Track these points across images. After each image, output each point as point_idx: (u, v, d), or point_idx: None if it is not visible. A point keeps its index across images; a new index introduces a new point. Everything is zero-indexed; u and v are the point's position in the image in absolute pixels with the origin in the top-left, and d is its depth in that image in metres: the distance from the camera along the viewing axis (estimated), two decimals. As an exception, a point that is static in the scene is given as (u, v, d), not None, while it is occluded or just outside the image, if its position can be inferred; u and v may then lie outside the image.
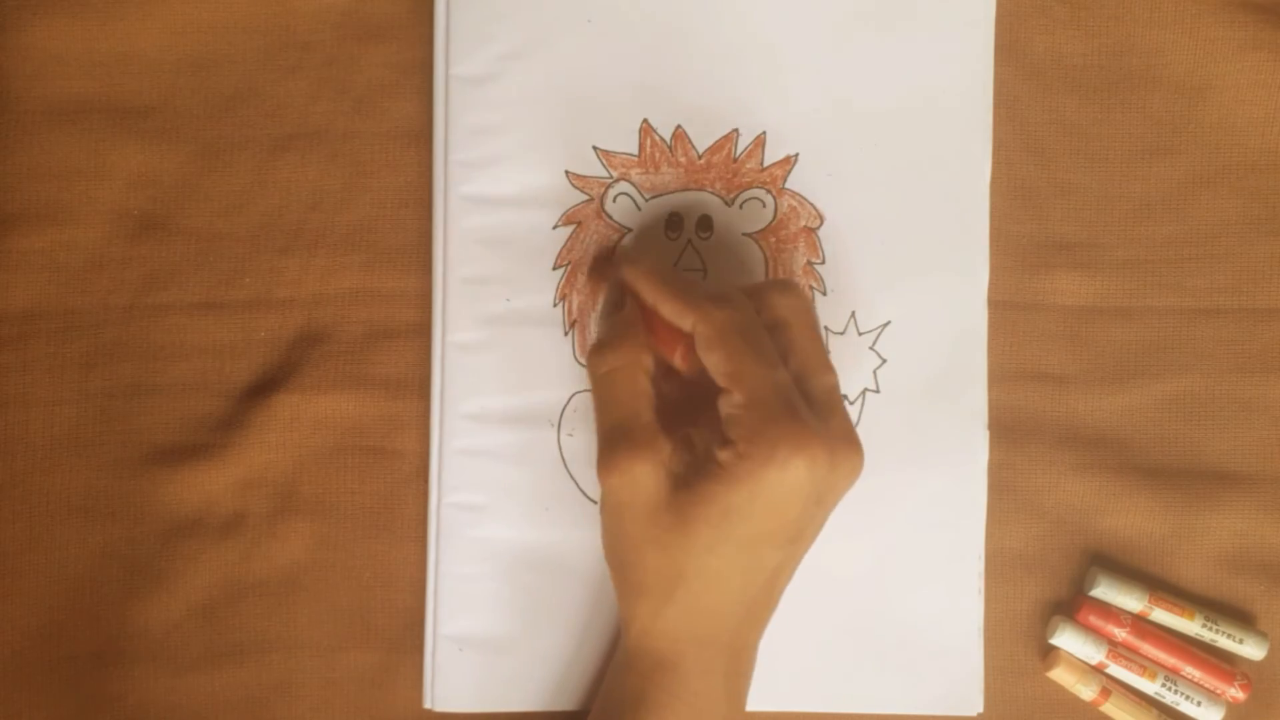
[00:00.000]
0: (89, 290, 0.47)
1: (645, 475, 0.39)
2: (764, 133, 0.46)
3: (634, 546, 0.40)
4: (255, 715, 0.46)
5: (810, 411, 0.39)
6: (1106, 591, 0.46)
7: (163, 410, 0.47)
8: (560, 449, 0.46)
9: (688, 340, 0.41)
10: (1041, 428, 0.47)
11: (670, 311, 0.41)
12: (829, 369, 0.41)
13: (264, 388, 0.47)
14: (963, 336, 0.47)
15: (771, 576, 0.40)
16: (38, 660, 0.46)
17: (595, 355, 0.42)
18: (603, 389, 0.41)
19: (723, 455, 0.38)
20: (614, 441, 0.40)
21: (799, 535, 0.40)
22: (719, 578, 0.39)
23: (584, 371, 0.46)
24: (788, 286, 0.42)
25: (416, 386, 0.47)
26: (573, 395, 0.46)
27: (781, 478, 0.37)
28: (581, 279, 0.46)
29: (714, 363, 0.39)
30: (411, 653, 0.46)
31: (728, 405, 0.39)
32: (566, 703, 0.46)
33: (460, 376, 0.46)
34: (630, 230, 0.46)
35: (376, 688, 0.46)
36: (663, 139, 0.46)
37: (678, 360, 0.41)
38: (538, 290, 0.46)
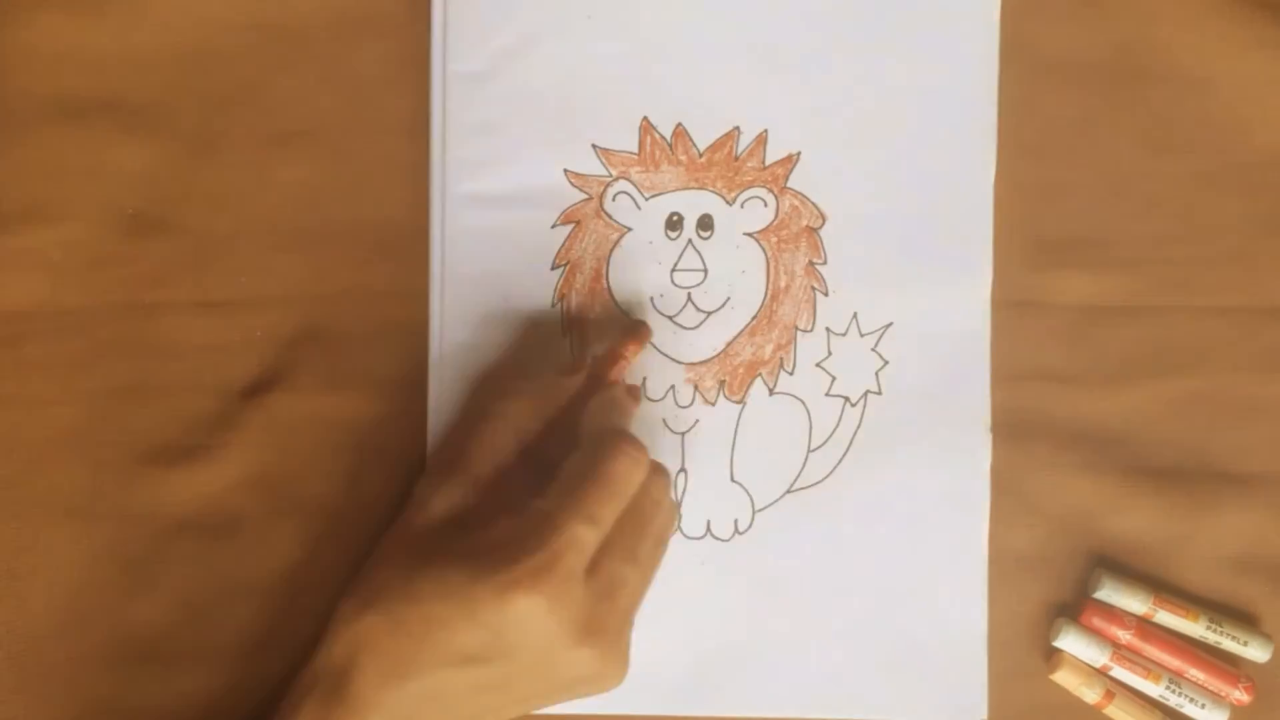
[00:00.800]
0: (85, 289, 0.46)
1: (438, 503, 0.42)
2: (765, 131, 0.46)
3: (382, 554, 0.42)
4: (253, 716, 0.46)
5: (584, 585, 0.38)
6: (1111, 593, 0.46)
7: (159, 410, 0.46)
8: (559, 450, 0.46)
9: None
10: (1045, 428, 0.47)
11: (591, 418, 0.43)
12: (634, 564, 0.40)
13: (261, 387, 0.46)
14: (966, 337, 0.46)
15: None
16: (36, 661, 0.46)
17: (501, 391, 0.44)
18: (482, 418, 0.43)
19: (499, 521, 0.39)
20: (446, 460, 0.43)
21: (514, 684, 0.39)
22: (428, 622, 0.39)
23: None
24: (662, 476, 0.42)
25: (414, 385, 0.46)
26: (572, 396, 0.46)
27: (500, 596, 0.37)
28: (580, 279, 0.46)
29: (564, 472, 0.40)
30: (409, 655, 0.46)
31: (534, 505, 0.39)
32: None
33: (458, 376, 0.46)
34: (630, 229, 0.46)
35: (374, 691, 0.46)
36: (663, 137, 0.46)
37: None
38: (536, 289, 0.46)
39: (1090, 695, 0.46)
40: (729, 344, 0.46)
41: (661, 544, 0.42)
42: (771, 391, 0.46)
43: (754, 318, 0.46)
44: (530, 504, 0.39)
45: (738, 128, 0.46)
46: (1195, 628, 0.46)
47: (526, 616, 0.37)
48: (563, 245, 0.46)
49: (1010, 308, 0.47)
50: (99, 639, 0.46)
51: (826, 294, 0.46)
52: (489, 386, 0.44)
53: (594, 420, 0.42)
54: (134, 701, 0.46)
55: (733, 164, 0.46)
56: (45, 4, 0.46)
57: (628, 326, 0.46)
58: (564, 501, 0.39)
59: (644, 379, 0.46)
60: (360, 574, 0.42)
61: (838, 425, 0.46)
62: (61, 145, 0.46)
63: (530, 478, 0.42)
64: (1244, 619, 0.47)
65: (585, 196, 0.46)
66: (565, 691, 0.40)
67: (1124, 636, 0.46)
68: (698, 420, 0.46)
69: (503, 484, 0.42)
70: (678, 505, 0.46)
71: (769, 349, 0.46)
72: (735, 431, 0.46)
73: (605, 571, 0.39)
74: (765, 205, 0.46)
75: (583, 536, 0.38)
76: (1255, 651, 0.46)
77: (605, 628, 0.39)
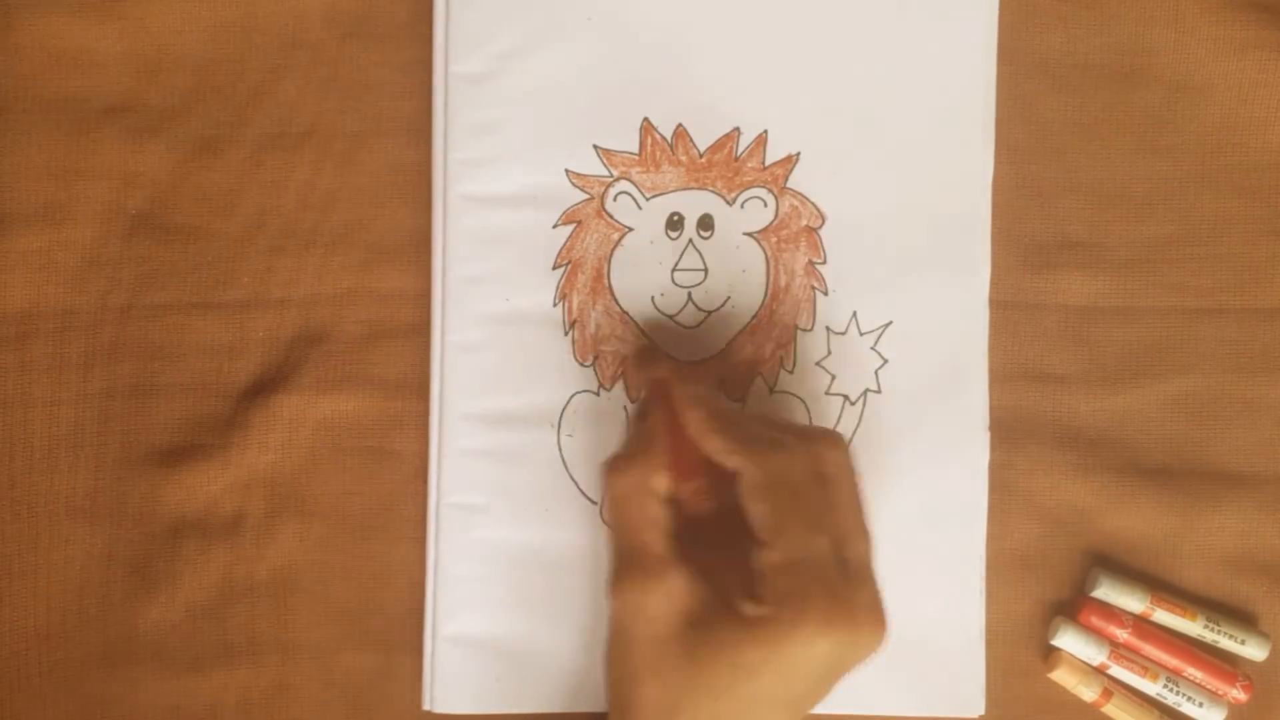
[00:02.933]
0: (87, 290, 0.46)
1: (654, 607, 0.38)
2: (765, 131, 0.46)
3: (634, 674, 0.38)
4: (254, 717, 0.46)
5: (843, 581, 0.37)
6: (1108, 592, 0.46)
7: (161, 410, 0.46)
8: (560, 449, 0.46)
9: (710, 477, 0.39)
10: (1043, 428, 0.47)
11: (715, 449, 0.39)
12: (866, 535, 0.39)
13: (263, 388, 0.46)
14: (964, 336, 0.46)
15: None
16: (37, 661, 0.46)
17: (610, 472, 0.41)
18: (614, 511, 0.40)
19: (747, 609, 0.37)
20: (625, 567, 0.39)
21: (804, 700, 0.38)
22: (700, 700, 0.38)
23: (584, 372, 0.46)
24: (837, 441, 0.40)
25: (416, 386, 0.47)
26: (573, 395, 0.46)
27: (804, 650, 0.36)
28: (582, 278, 0.46)
29: (758, 513, 0.38)
30: (411, 654, 0.46)
31: (763, 561, 0.37)
32: (566, 704, 0.46)
33: (460, 377, 0.46)
34: (631, 229, 0.46)
35: (375, 689, 0.46)
36: (664, 137, 0.46)
37: (688, 494, 0.40)
38: (538, 290, 0.46)
39: (1088, 694, 0.46)
40: (729, 343, 0.46)
41: (860, 487, 0.41)
42: (771, 390, 0.46)
43: (754, 317, 0.46)
44: (749, 553, 0.38)
45: (738, 128, 0.46)
46: (1193, 626, 0.46)
47: (832, 649, 0.36)
48: (564, 245, 0.46)
49: (1008, 308, 0.47)
50: (100, 639, 0.46)
51: (826, 293, 0.47)
52: (607, 482, 0.41)
53: (721, 443, 0.40)
54: (134, 701, 0.46)
55: (733, 164, 0.46)
56: (49, 6, 0.46)
57: (640, 351, 0.45)
58: (781, 531, 0.37)
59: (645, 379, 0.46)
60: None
61: (837, 424, 0.46)
62: (64, 147, 0.46)
63: (709, 522, 0.41)
64: (1241, 617, 0.47)
65: (586, 197, 0.46)
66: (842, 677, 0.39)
67: (1121, 635, 0.46)
68: (698, 420, 0.46)
69: (689, 548, 0.40)
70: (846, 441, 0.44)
71: (769, 348, 0.46)
72: (736, 430, 0.46)
73: (851, 558, 0.38)
74: (765, 205, 0.46)
75: (823, 546, 0.37)
76: (1252, 650, 0.46)
77: (880, 607, 0.38)
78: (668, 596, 0.38)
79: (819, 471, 0.39)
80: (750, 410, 0.46)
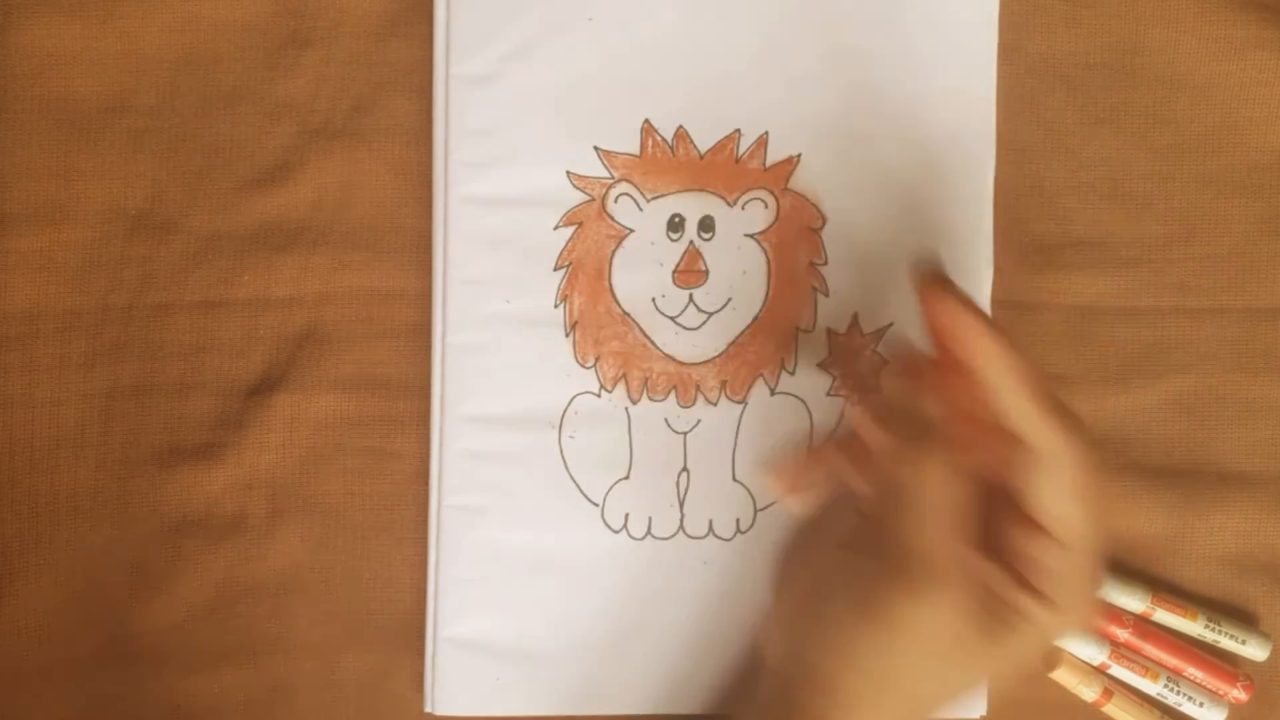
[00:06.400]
0: (88, 290, 0.46)
1: (948, 609, 0.35)
2: (766, 133, 0.46)
3: (914, 670, 0.36)
4: (255, 717, 0.46)
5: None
6: (1109, 591, 0.46)
7: (163, 410, 0.46)
8: (561, 451, 0.46)
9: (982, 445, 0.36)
10: (1044, 428, 0.47)
11: (1030, 425, 0.35)
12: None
13: (264, 387, 0.46)
14: (965, 337, 0.46)
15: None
16: (37, 661, 0.46)
17: (911, 450, 0.36)
18: (915, 495, 0.36)
19: (1028, 605, 0.36)
20: (923, 566, 0.35)
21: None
22: (939, 689, 0.37)
23: (585, 373, 0.46)
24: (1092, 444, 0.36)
25: (417, 387, 0.47)
26: (574, 397, 0.46)
27: (1054, 640, 0.36)
28: (583, 280, 0.46)
29: (1067, 511, 0.35)
30: (412, 655, 0.46)
31: (1052, 556, 0.35)
32: (568, 707, 0.46)
33: (461, 378, 0.46)
34: (632, 231, 0.46)
35: (376, 690, 0.46)
36: (664, 139, 0.46)
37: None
38: (539, 291, 0.46)
39: (1088, 693, 0.46)
40: (730, 344, 0.46)
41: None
42: (773, 391, 0.46)
43: (755, 318, 0.46)
44: (1029, 538, 0.36)
45: (739, 130, 0.46)
46: (1193, 626, 0.46)
47: (1051, 645, 0.36)
48: (565, 247, 0.46)
49: (1009, 308, 0.47)
50: (101, 639, 0.46)
51: (827, 294, 0.47)
52: (909, 472, 0.37)
53: (1037, 406, 0.36)
54: (135, 702, 0.46)
55: (734, 166, 0.46)
56: (49, 6, 0.46)
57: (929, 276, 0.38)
58: (1088, 535, 0.36)
59: (646, 380, 0.46)
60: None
61: (839, 425, 0.46)
62: (66, 146, 0.46)
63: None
64: (1242, 618, 0.47)
65: (587, 198, 0.46)
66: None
67: (1122, 635, 0.46)
68: (699, 420, 0.46)
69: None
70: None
71: (770, 349, 0.46)
72: (737, 431, 0.46)
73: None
74: (766, 206, 0.46)
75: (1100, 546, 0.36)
76: (1253, 650, 0.46)
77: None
78: (960, 600, 0.36)
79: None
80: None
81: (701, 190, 0.46)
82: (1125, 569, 0.47)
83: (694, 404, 0.46)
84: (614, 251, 0.46)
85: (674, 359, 0.46)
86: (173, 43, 0.47)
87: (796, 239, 0.46)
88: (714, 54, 0.46)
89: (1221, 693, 0.46)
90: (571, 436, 0.46)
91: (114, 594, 0.46)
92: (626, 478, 0.46)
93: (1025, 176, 0.47)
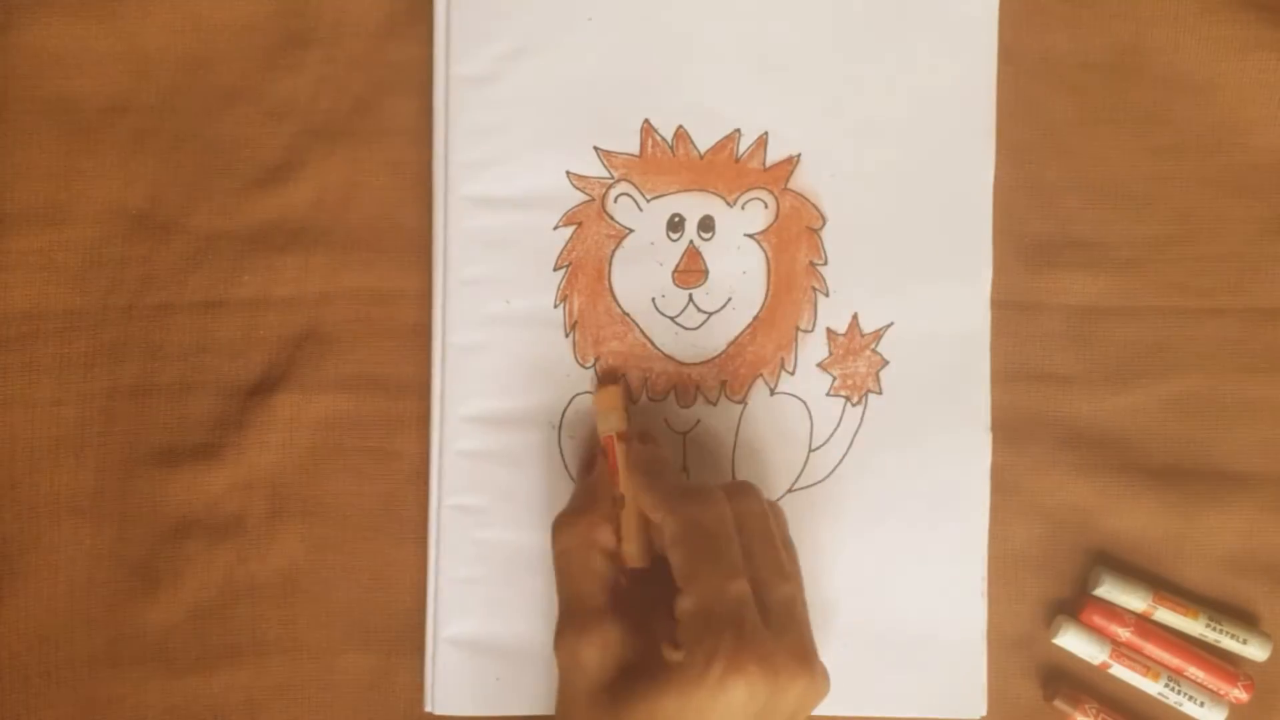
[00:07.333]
0: (88, 290, 0.46)
1: (589, 658, 0.39)
2: (766, 133, 0.46)
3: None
4: (256, 717, 0.46)
5: (766, 626, 0.37)
6: (1110, 591, 0.46)
7: (163, 410, 0.46)
8: (561, 451, 0.46)
9: (651, 532, 0.41)
10: (1045, 428, 0.47)
11: (646, 505, 0.41)
12: (786, 578, 0.39)
13: (264, 387, 0.46)
14: (965, 337, 0.46)
15: None
16: (38, 661, 0.46)
17: (556, 528, 0.42)
18: (559, 562, 0.42)
19: (669, 655, 0.37)
20: (565, 618, 0.40)
21: None
22: None
23: (585, 374, 0.46)
24: (746, 490, 0.41)
25: (416, 387, 0.47)
26: (574, 397, 0.46)
27: (715, 695, 0.36)
28: (583, 280, 0.46)
29: (674, 561, 0.38)
30: (411, 655, 0.46)
31: (680, 607, 0.38)
32: (568, 705, 0.46)
33: (460, 378, 0.46)
34: (632, 231, 0.46)
35: (376, 690, 0.46)
36: (664, 139, 0.46)
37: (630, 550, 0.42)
38: (539, 291, 0.46)
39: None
40: (730, 344, 0.46)
41: (788, 542, 0.42)
42: (773, 391, 0.46)
43: (755, 318, 0.46)
44: (673, 602, 0.38)
45: (738, 130, 0.46)
46: (1194, 626, 0.46)
47: (747, 695, 0.36)
48: (565, 247, 0.46)
49: (1010, 308, 0.47)
50: (102, 639, 0.46)
51: (827, 294, 0.47)
52: (553, 538, 0.42)
53: (649, 498, 0.41)
54: (136, 702, 0.46)
55: (733, 166, 0.46)
56: (50, 7, 0.46)
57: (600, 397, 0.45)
58: (695, 578, 0.38)
59: (646, 380, 0.46)
60: None
61: (838, 425, 0.46)
62: (66, 147, 0.46)
63: (645, 576, 0.41)
64: (1243, 617, 0.47)
65: (587, 198, 0.46)
66: None
67: (1123, 634, 0.46)
68: (699, 420, 0.46)
69: (625, 601, 0.41)
70: (774, 502, 0.45)
71: (770, 349, 0.46)
72: (737, 431, 0.46)
73: (774, 602, 0.38)
74: (766, 206, 0.46)
75: (737, 591, 0.37)
76: (1254, 650, 0.46)
77: (805, 651, 0.38)
78: (603, 647, 0.39)
79: (737, 519, 0.39)
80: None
81: (701, 190, 0.46)
82: (1127, 568, 0.47)
83: (693, 404, 0.46)
84: (614, 251, 0.46)
85: (673, 359, 0.46)
86: (173, 43, 0.47)
87: (796, 239, 0.46)
88: (714, 54, 0.46)
89: (1222, 692, 0.46)
90: (571, 436, 0.46)
91: (115, 594, 0.46)
92: (626, 478, 0.46)
93: (1025, 176, 0.47)
